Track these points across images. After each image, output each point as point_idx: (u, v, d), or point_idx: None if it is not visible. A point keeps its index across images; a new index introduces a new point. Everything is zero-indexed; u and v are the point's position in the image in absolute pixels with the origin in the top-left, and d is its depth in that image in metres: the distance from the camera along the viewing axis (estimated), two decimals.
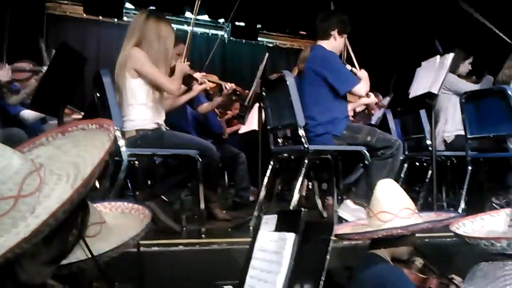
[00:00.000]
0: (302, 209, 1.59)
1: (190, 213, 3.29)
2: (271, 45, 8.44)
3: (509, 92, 2.93)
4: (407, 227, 1.71)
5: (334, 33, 3.20)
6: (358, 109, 3.87)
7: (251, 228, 3.06)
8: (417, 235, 1.95)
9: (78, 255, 1.22)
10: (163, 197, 2.87)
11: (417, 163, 4.61)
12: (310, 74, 3.16)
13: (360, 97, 3.29)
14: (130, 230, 1.47)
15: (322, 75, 3.09)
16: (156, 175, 3.56)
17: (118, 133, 2.67)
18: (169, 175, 3.01)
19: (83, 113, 4.48)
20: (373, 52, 6.46)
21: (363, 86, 3.12)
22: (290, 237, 1.62)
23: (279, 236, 1.69)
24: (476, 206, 3.47)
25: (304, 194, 4.53)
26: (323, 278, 1.44)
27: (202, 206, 2.85)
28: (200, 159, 2.75)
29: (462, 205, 3.30)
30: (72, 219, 0.95)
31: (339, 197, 3.40)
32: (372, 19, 6.51)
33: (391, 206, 1.81)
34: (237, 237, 2.62)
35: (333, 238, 1.45)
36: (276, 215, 1.80)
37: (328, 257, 1.47)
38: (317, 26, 3.27)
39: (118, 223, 1.54)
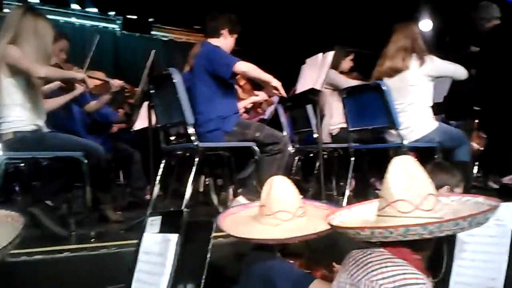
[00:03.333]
0: (184, 209, 1.60)
1: (82, 216, 3.17)
2: (166, 39, 8.28)
3: (383, 88, 3.14)
4: (316, 233, 1.73)
5: (224, 31, 3.23)
6: (249, 106, 3.94)
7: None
8: None
9: None
10: (47, 202, 2.74)
11: (311, 155, 4.81)
12: (199, 70, 3.16)
13: (244, 73, 3.19)
14: (2, 240, 1.38)
15: (209, 69, 3.10)
16: (42, 178, 3.37)
17: None
18: (54, 178, 2.87)
19: None
20: (268, 47, 6.64)
21: (243, 62, 3.06)
22: (173, 238, 1.63)
23: (162, 238, 1.69)
24: (360, 194, 3.71)
25: (201, 190, 4.54)
26: (204, 277, 1.47)
27: (90, 208, 2.76)
28: (86, 160, 2.65)
29: (347, 193, 3.48)
30: None
31: (234, 192, 3.46)
32: (264, 15, 6.67)
33: (289, 205, 1.82)
34: (129, 239, 2.57)
35: (212, 236, 1.48)
36: (160, 217, 1.80)
37: (208, 255, 1.50)
38: (207, 24, 3.28)
39: None
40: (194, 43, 8.09)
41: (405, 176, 1.34)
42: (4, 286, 1.54)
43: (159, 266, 1.65)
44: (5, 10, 6.75)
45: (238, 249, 2.40)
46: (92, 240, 2.64)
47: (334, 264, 1.98)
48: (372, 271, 1.28)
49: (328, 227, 1.74)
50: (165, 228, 1.72)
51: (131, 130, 4.80)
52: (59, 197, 2.85)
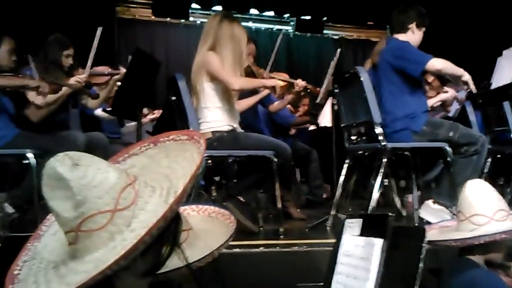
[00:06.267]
0: (389, 213, 1.54)
1: (265, 212, 3.30)
2: (336, 37, 8.21)
3: None
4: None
5: (412, 26, 3.06)
6: (437, 105, 3.70)
7: (328, 228, 3.03)
8: None
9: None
10: (240, 197, 2.90)
11: (498, 156, 4.35)
12: (385, 67, 3.05)
13: (438, 71, 3.00)
14: (216, 236, 1.45)
15: (396, 66, 2.98)
16: (228, 174, 3.58)
17: None
18: (244, 175, 3.02)
19: (156, 111, 4.63)
20: (457, 37, 6.16)
21: (436, 60, 2.87)
22: (378, 243, 1.57)
23: (365, 241, 1.64)
24: None
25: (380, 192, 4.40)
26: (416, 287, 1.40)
27: (279, 206, 2.85)
28: (276, 159, 2.75)
29: None
30: (165, 232, 0.94)
31: (419, 195, 3.29)
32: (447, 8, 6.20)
33: (485, 209, 1.72)
34: (315, 238, 2.60)
35: (425, 244, 1.40)
36: (360, 219, 1.75)
37: (421, 265, 1.42)
38: (393, 19, 3.14)
39: (204, 228, 1.49)
40: (365, 40, 7.98)
41: None
42: (210, 276, 1.64)
43: (362, 271, 1.60)
44: (191, 19, 7.35)
45: (430, 257, 2.27)
46: (281, 236, 2.72)
47: None
48: None
49: None
50: (367, 231, 1.67)
51: (308, 129, 4.88)
52: (250, 193, 2.98)
